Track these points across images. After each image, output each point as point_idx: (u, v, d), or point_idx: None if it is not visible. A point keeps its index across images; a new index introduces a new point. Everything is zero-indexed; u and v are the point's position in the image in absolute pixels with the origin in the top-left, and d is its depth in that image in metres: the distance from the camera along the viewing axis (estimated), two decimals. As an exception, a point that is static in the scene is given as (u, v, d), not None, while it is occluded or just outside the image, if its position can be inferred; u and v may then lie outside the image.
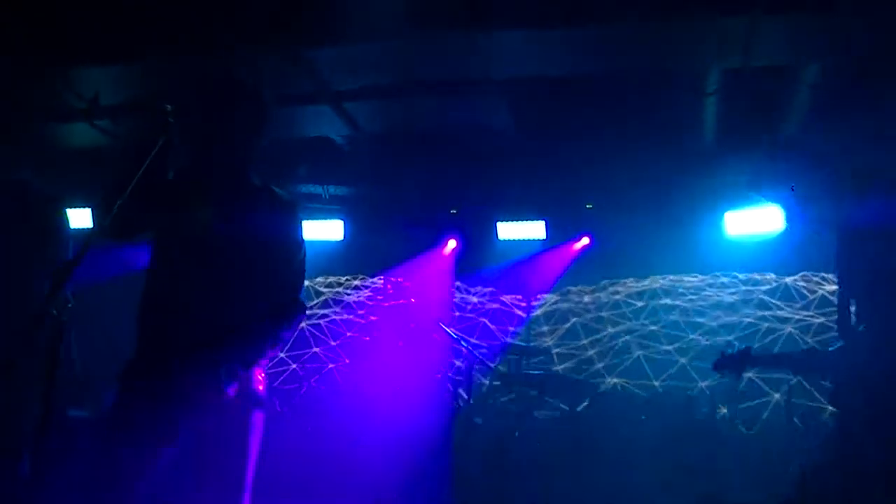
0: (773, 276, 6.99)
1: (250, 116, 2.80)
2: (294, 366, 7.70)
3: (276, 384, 7.40)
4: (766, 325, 6.79)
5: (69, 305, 2.76)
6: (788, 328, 6.74)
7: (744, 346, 4.00)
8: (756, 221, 6.47)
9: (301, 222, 2.87)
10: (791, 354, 4.87)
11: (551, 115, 5.78)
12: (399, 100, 5.81)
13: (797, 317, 6.77)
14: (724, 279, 7.09)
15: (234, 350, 2.55)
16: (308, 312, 7.71)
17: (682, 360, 6.85)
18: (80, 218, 7.30)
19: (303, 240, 2.86)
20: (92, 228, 2.44)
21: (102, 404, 4.66)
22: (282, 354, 7.64)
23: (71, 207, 7.14)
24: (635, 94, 5.29)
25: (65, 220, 3.89)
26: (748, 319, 6.89)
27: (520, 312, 7.54)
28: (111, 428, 2.59)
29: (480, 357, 5.80)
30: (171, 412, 2.54)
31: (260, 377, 2.68)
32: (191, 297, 2.62)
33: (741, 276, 7.08)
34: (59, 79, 5.22)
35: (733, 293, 7.01)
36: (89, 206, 7.27)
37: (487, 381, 7.04)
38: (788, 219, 6.30)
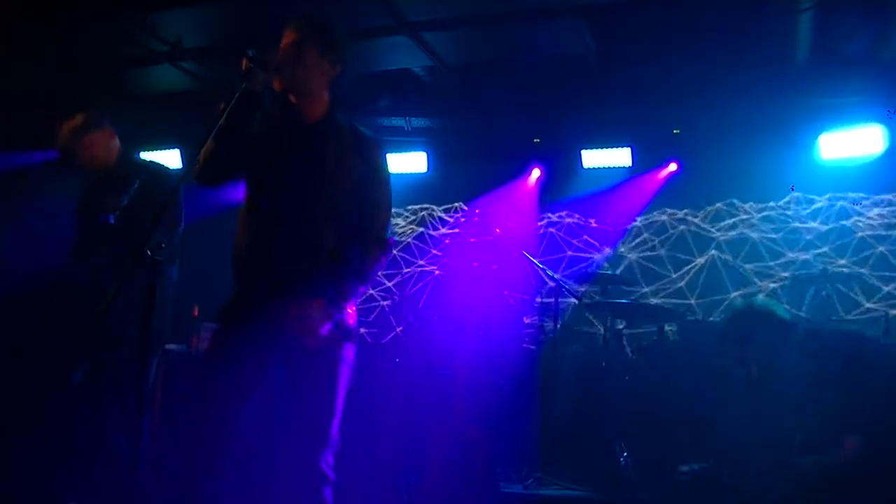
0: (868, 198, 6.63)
1: (330, 59, 2.81)
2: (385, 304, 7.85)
3: (369, 318, 7.57)
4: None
5: (163, 246, 2.86)
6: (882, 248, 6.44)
7: None
8: (853, 144, 6.16)
9: (386, 159, 2.91)
10: None
11: (634, 38, 5.59)
12: (478, 29, 5.71)
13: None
14: (819, 204, 6.79)
15: (325, 287, 2.62)
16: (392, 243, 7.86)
17: (771, 288, 6.65)
18: (165, 160, 7.52)
19: (388, 176, 2.90)
20: (182, 171, 2.51)
21: (199, 339, 4.89)
22: (371, 291, 7.78)
23: (156, 150, 7.38)
24: (723, 12, 5.05)
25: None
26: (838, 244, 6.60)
27: (606, 241, 7.45)
28: (212, 362, 2.73)
29: (566, 287, 5.78)
30: (266, 347, 2.67)
31: (350, 311, 2.74)
32: (283, 238, 2.71)
33: (836, 201, 6.74)
34: (139, 23, 5.34)
35: (826, 219, 6.70)
36: (176, 148, 7.47)
37: (573, 311, 7.01)
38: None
